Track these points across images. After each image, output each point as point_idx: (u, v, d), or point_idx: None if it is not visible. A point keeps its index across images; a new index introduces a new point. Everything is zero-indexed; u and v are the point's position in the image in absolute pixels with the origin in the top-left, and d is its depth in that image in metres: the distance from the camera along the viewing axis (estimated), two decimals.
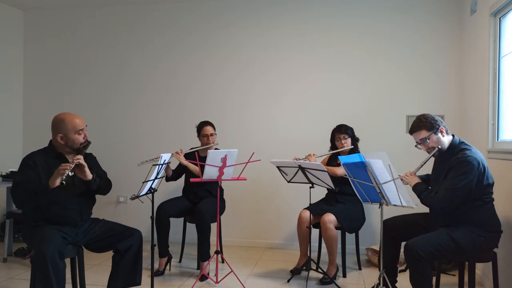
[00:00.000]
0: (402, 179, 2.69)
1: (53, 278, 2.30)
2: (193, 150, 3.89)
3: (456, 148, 2.65)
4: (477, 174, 2.52)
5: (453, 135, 2.73)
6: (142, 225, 4.05)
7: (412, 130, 2.75)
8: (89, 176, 2.60)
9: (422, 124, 2.68)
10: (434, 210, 2.77)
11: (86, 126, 2.71)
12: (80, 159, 2.53)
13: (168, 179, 3.87)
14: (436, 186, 2.68)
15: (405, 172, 2.80)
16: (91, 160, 2.85)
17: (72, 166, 2.43)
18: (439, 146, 2.66)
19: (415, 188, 2.71)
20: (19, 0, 4.88)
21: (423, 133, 2.68)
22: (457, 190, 2.51)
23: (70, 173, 2.41)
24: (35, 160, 2.58)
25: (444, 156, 2.69)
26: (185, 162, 3.72)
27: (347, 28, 4.46)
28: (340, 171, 3.53)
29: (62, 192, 2.57)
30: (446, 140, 2.69)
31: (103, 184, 2.76)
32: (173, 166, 3.86)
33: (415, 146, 2.78)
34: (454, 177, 2.54)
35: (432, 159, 2.82)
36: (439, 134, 2.66)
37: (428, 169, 2.93)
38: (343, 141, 3.66)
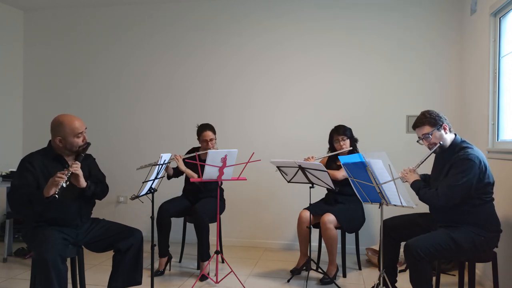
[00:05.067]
0: (400, 178, 2.68)
1: (55, 282, 2.30)
2: (192, 155, 3.84)
3: (458, 146, 2.65)
4: (478, 172, 2.52)
5: (455, 134, 2.73)
6: (143, 225, 4.05)
7: (416, 125, 2.74)
8: (83, 184, 2.58)
9: (426, 120, 2.68)
10: (434, 210, 2.77)
11: (86, 128, 2.69)
12: (77, 168, 2.50)
13: (169, 177, 3.87)
14: (436, 184, 2.67)
15: (404, 168, 2.79)
16: (91, 162, 2.84)
17: (67, 176, 2.41)
18: (441, 142, 2.66)
19: (414, 185, 2.70)
20: (19, 0, 4.88)
21: (426, 129, 2.67)
22: (458, 187, 2.51)
23: (64, 185, 2.39)
24: (33, 162, 2.56)
25: (445, 154, 2.69)
26: (183, 168, 3.72)
27: (347, 28, 4.46)
28: (341, 174, 3.52)
29: (63, 193, 2.58)
30: (448, 137, 2.69)
31: (98, 190, 2.73)
32: (173, 164, 3.87)
33: (417, 141, 2.78)
34: (455, 174, 2.53)
35: (432, 157, 2.82)
36: (442, 131, 2.67)
37: (427, 169, 2.93)
38: (341, 143, 3.64)
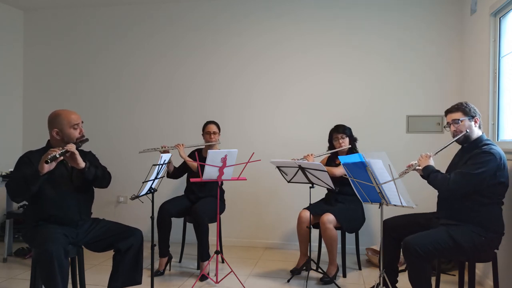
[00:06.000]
0: (412, 164, 2.70)
1: (59, 276, 2.29)
2: (195, 147, 3.91)
3: (481, 143, 2.65)
4: (496, 168, 2.51)
5: (482, 132, 2.73)
6: (143, 225, 4.04)
7: (449, 111, 2.76)
8: (82, 164, 2.58)
9: (461, 107, 2.70)
10: (441, 202, 2.75)
11: (83, 122, 2.72)
12: (72, 147, 2.53)
13: (169, 175, 3.88)
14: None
15: (421, 154, 2.77)
16: (91, 157, 2.85)
17: (61, 151, 2.42)
18: (467, 131, 2.65)
19: (425, 169, 2.68)
20: (19, 0, 4.88)
21: (458, 115, 2.69)
22: (471, 176, 2.49)
23: (58, 156, 2.40)
24: (30, 157, 2.59)
25: (466, 150, 2.69)
26: (184, 155, 3.77)
27: (347, 28, 4.47)
28: (339, 171, 3.53)
29: (61, 190, 2.59)
30: (475, 131, 2.69)
31: (99, 173, 2.72)
32: (177, 163, 3.90)
33: (444, 127, 2.80)
34: (472, 164, 2.53)
35: (451, 154, 2.79)
36: (472, 123, 2.67)
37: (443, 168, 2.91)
38: (340, 141, 3.66)
